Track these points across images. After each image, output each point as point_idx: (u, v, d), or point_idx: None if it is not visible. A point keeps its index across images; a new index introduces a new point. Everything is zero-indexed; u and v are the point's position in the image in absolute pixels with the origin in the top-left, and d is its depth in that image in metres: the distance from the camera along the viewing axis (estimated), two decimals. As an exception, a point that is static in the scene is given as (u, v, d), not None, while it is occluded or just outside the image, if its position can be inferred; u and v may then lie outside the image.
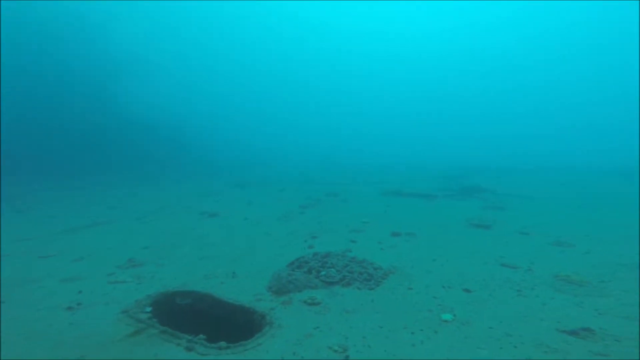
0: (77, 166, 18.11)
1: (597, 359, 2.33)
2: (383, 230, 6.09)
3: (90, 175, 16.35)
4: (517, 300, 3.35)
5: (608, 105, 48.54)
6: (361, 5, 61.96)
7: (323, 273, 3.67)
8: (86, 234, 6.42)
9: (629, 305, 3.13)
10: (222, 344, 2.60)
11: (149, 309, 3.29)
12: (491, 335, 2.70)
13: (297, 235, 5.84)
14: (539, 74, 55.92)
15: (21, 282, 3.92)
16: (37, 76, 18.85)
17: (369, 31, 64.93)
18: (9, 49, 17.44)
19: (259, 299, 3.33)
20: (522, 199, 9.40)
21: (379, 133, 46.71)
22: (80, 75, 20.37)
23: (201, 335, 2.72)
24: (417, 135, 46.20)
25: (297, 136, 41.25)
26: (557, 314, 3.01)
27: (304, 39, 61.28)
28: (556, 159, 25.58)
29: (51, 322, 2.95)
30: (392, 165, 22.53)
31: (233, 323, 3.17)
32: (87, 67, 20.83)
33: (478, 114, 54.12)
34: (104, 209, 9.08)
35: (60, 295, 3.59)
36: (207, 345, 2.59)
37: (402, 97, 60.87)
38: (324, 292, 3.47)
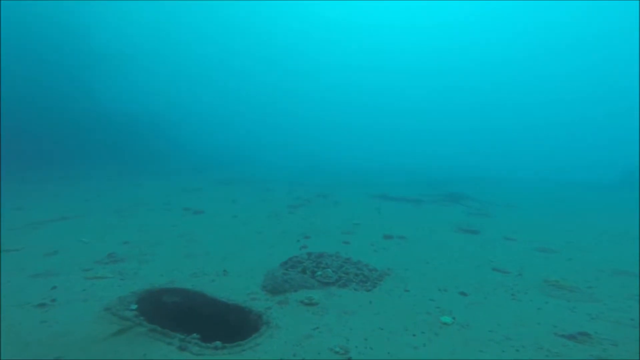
0: (56, 159, 16.99)
1: (598, 362, 2.38)
2: (374, 233, 6.08)
3: (67, 167, 15.33)
4: (513, 304, 3.40)
5: (600, 116, 50.33)
6: (341, 10, 62.55)
7: (319, 273, 3.57)
8: (59, 228, 5.94)
9: (618, 311, 3.25)
10: (218, 343, 2.43)
11: (134, 307, 3.04)
12: (492, 338, 2.71)
13: (288, 235, 5.70)
14: (526, 88, 58.05)
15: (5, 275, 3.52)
16: (22, 72, 17.79)
17: (356, 35, 65.96)
18: None
19: (253, 298, 3.16)
20: (505, 207, 9.76)
21: (365, 138, 47.29)
22: (63, 71, 19.44)
23: (194, 335, 2.52)
24: (402, 140, 47.17)
25: (280, 138, 40.92)
26: (552, 318, 3.07)
27: (291, 41, 61.33)
28: (538, 170, 26.94)
29: (20, 319, 2.64)
30: (377, 169, 22.83)
31: (226, 323, 2.99)
32: (71, 62, 19.93)
33: (464, 123, 55.94)
34: (79, 202, 8.49)
35: (30, 291, 3.25)
36: (202, 345, 2.41)
37: (387, 103, 61.97)
38: (320, 292, 3.38)
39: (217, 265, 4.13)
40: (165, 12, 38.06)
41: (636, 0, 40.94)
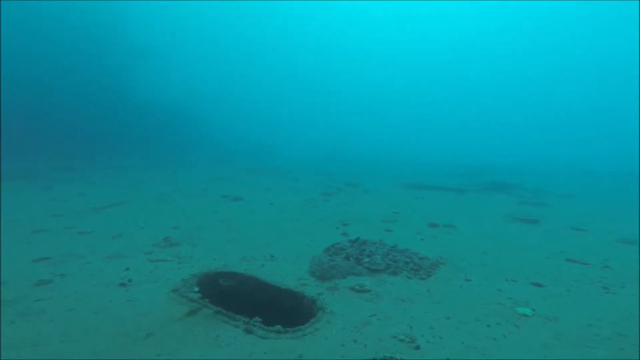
0: (97, 149, 17.88)
1: None
2: (418, 221, 5.94)
3: (109, 158, 16.12)
4: (609, 297, 3.15)
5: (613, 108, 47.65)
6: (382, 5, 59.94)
7: (366, 260, 3.62)
8: (115, 212, 6.34)
9: None
10: (279, 327, 2.58)
11: (196, 289, 3.26)
12: (597, 333, 2.50)
13: (326, 222, 5.75)
14: (550, 76, 54.52)
15: (68, 257, 3.85)
16: (65, 66, 18.43)
17: (383, 28, 63.33)
18: (44, 42, 17.01)
19: (303, 283, 3.29)
20: (562, 197, 9.22)
21: (387, 130, 46.31)
22: (102, 64, 19.95)
23: (256, 318, 2.69)
24: (426, 131, 45.91)
25: (303, 130, 40.76)
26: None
27: (316, 35, 59.79)
28: (573, 160, 25.51)
29: (110, 298, 2.90)
30: (400, 159, 22.39)
31: (280, 306, 3.15)
32: (108, 57, 20.36)
33: (486, 114, 53.60)
34: (125, 189, 8.96)
35: (109, 271, 3.53)
36: (265, 328, 2.56)
37: (410, 96, 59.96)
38: (370, 279, 3.38)
39: (263, 250, 4.29)
40: (197, 11, 37.91)
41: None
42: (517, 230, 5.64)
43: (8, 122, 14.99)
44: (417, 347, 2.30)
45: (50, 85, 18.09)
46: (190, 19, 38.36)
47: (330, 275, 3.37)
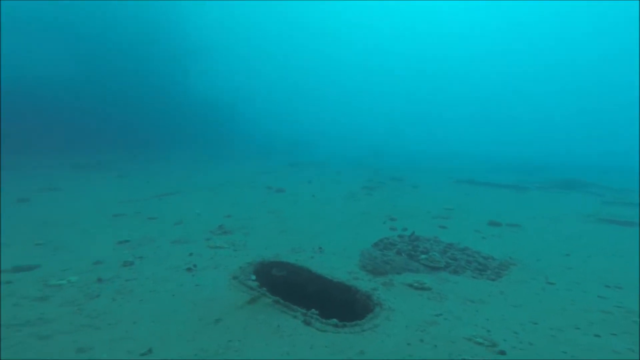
0: (155, 143, 19.45)
1: None
2: (474, 219, 5.53)
3: (165, 151, 17.46)
4: None
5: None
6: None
7: (423, 257, 3.40)
8: (174, 200, 6.79)
9: None
10: (334, 321, 2.50)
11: (253, 277, 3.31)
12: None
13: (371, 216, 5.56)
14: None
15: (142, 240, 4.16)
16: (126, 68, 19.89)
17: (421, 25, 60.62)
18: (110, 41, 18.64)
19: (355, 277, 3.18)
20: None
21: (431, 126, 44.30)
22: (159, 65, 21.28)
23: (313, 310, 2.64)
24: (469, 128, 43.19)
25: (340, 126, 40.35)
26: None
27: (356, 34, 59.05)
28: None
29: (181, 281, 3.06)
30: (447, 156, 21.13)
31: (331, 299, 3.08)
32: (164, 58, 21.61)
33: (532, 109, 48.86)
34: (179, 179, 9.58)
35: (176, 256, 3.74)
36: (322, 321, 2.50)
37: (454, 92, 56.74)
38: (429, 277, 3.17)
39: (311, 242, 4.25)
40: (245, 11, 39.06)
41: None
42: (607, 232, 4.98)
43: (82, 120, 16.81)
44: (502, 352, 2.04)
45: (113, 85, 19.74)
46: (239, 19, 39.57)
47: (383, 270, 3.20)
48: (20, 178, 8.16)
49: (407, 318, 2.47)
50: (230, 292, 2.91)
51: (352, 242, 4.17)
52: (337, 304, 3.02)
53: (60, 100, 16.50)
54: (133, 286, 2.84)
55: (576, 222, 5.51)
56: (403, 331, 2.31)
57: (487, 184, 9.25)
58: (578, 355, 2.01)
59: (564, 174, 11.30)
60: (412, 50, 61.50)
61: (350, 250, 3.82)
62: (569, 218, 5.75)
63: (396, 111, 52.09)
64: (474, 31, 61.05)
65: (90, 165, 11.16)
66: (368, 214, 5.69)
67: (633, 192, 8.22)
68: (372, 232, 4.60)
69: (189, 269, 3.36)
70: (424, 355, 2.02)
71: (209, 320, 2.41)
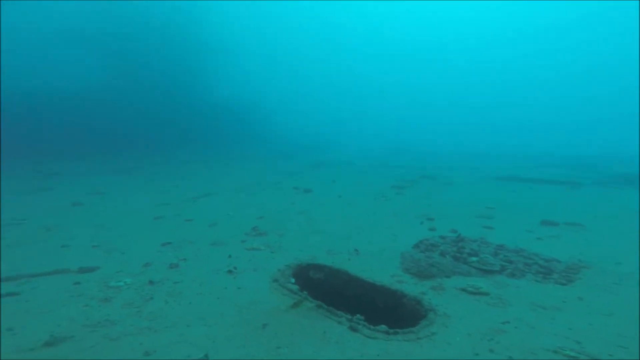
0: (180, 145, 20.35)
1: None
2: (523, 218, 5.19)
3: (190, 152, 18.25)
4: None
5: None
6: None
7: (474, 259, 3.24)
8: (206, 202, 7.05)
9: None
10: (384, 327, 2.43)
11: (293, 280, 3.34)
12: None
13: (406, 216, 5.41)
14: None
15: (183, 242, 4.34)
16: (144, 71, 20.83)
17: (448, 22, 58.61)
18: (130, 45, 19.67)
19: (399, 280, 3.09)
20: None
21: (457, 124, 42.73)
22: (182, 67, 22.10)
23: (358, 316, 2.60)
24: (496, 124, 41.16)
25: (366, 125, 39.81)
26: None
27: (378, 32, 58.42)
28: None
29: (224, 284, 3.16)
30: (477, 153, 20.20)
31: (373, 304, 3.02)
32: (188, 59, 22.37)
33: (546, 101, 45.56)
34: (208, 182, 9.94)
35: (215, 258, 3.86)
36: (370, 327, 2.45)
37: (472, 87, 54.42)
38: (485, 281, 3.00)
39: (345, 243, 4.21)
40: (265, 11, 39.78)
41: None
42: None
43: (112, 126, 17.86)
44: None
45: (139, 92, 20.62)
46: (259, 21, 40.33)
47: (430, 273, 3.08)
48: (69, 183, 8.89)
49: (467, 325, 2.32)
50: (273, 296, 2.95)
51: (389, 243, 4.07)
52: (380, 309, 2.95)
53: (90, 108, 17.62)
54: (181, 289, 2.96)
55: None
56: (466, 340, 2.16)
57: (533, 180, 8.59)
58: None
59: (618, 168, 10.24)
60: (432, 48, 59.44)
61: (388, 252, 3.73)
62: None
63: (417, 109, 50.61)
64: (501, 25, 57.46)
65: (124, 170, 11.91)
66: (402, 214, 5.53)
67: None
68: (409, 233, 4.45)
69: (229, 272, 3.45)
70: (498, 367, 1.87)
71: (256, 325, 2.45)
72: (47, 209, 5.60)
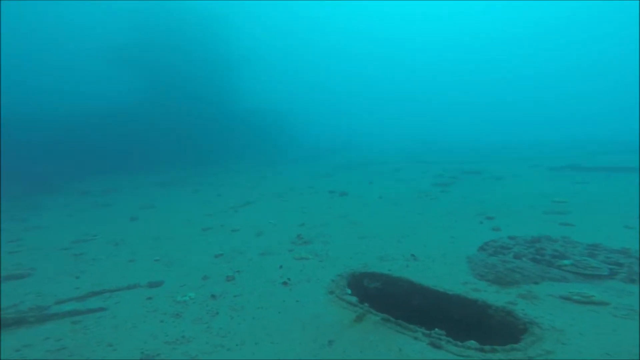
0: (211, 155, 21.28)
1: None
2: (611, 212, 4.56)
3: (224, 162, 19.04)
4: None
5: None
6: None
7: (567, 262, 2.87)
8: (248, 211, 7.22)
9: None
10: (473, 343, 2.17)
11: (349, 291, 3.21)
12: None
13: (459, 216, 5.04)
14: None
15: (234, 253, 4.41)
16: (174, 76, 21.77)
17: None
18: (151, 49, 20.74)
19: (474, 288, 2.79)
20: None
21: (475, 118, 40.30)
22: (206, 79, 22.95)
23: (437, 330, 2.38)
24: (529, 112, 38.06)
25: (389, 123, 38.95)
26: None
27: (394, 33, 57.83)
28: None
29: (281, 297, 3.11)
30: (508, 144, 18.71)
31: (447, 315, 2.77)
32: (213, 63, 23.06)
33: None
34: (245, 189, 10.23)
35: (268, 269, 3.86)
36: (457, 343, 2.20)
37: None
38: (591, 287, 2.63)
39: (397, 248, 4.00)
40: (288, 19, 41.00)
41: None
42: None
43: (152, 139, 19.01)
44: None
45: (174, 105, 21.66)
46: (282, 29, 41.50)
47: (512, 279, 2.76)
48: (123, 198, 9.70)
49: (595, 343, 1.96)
50: (332, 309, 2.85)
51: (448, 246, 3.78)
52: (455, 321, 2.69)
53: (127, 125, 18.83)
54: (242, 303, 2.98)
55: None
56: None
57: (600, 168, 7.54)
58: None
59: None
60: (450, 45, 56.83)
61: (451, 257, 3.45)
62: None
63: (441, 102, 48.30)
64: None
65: (167, 183, 12.71)
66: (455, 213, 5.14)
67: None
68: (468, 234, 4.10)
69: (284, 283, 3.43)
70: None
71: (323, 342, 2.36)
72: (110, 224, 6.11)
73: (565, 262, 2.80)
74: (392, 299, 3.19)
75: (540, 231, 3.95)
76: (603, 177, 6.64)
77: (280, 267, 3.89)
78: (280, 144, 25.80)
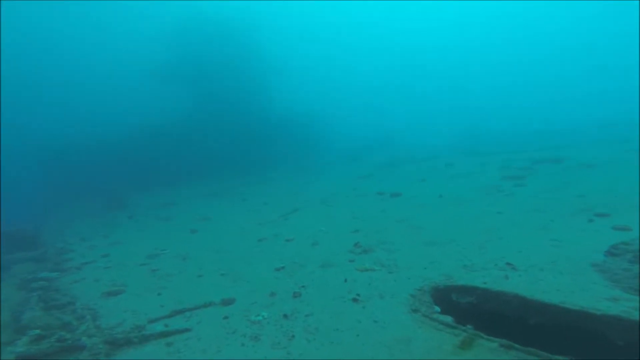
0: (251, 162, 21.97)
1: None
2: None
3: (264, 169, 19.57)
4: None
5: None
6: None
7: None
8: (297, 219, 7.15)
9: None
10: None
11: (438, 309, 2.83)
12: None
13: (553, 213, 4.28)
14: None
15: (294, 266, 4.15)
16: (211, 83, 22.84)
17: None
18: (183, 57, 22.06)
19: (634, 307, 2.15)
20: None
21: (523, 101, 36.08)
22: (242, 81, 23.59)
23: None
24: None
25: (419, 117, 36.87)
26: None
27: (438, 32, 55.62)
28: None
29: (355, 316, 2.83)
30: (571, 127, 16.24)
31: (584, 339, 2.22)
32: (249, 70, 23.82)
33: None
34: (293, 196, 10.23)
35: (332, 283, 3.60)
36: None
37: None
38: None
39: (483, 255, 3.45)
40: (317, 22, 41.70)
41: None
42: None
43: (195, 151, 20.15)
44: None
45: (215, 117, 22.59)
46: (308, 32, 42.27)
47: None
48: (181, 211, 10.43)
49: None
50: (422, 331, 2.49)
51: (554, 251, 3.15)
52: (597, 348, 2.13)
53: (172, 139, 20.22)
54: (315, 323, 2.78)
55: None
56: None
57: None
58: None
59: None
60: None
61: (565, 264, 2.84)
62: None
63: (477, 88, 44.16)
64: None
65: (217, 193, 13.35)
66: (544, 210, 4.38)
67: None
68: (577, 235, 3.41)
69: (354, 300, 3.16)
70: None
71: (423, 375, 2.02)
72: (174, 238, 6.52)
73: None
74: (494, 318, 2.71)
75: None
76: None
77: (345, 280, 3.64)
78: (314, 146, 25.81)
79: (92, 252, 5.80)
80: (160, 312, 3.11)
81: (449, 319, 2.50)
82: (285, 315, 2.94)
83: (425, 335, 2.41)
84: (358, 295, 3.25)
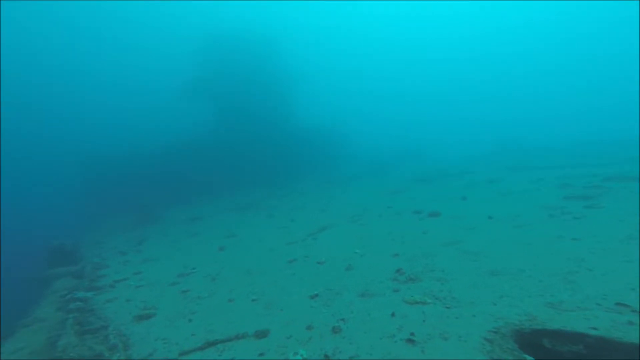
0: (274, 176, 22.11)
1: None
2: None
3: (289, 182, 19.64)
4: None
5: None
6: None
7: None
8: (326, 237, 6.76)
9: None
10: None
11: (531, 359, 2.30)
12: None
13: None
14: None
15: (329, 293, 3.79)
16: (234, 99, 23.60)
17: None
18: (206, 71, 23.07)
19: None
20: None
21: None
22: (266, 96, 24.27)
23: None
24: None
25: (444, 131, 35.78)
26: None
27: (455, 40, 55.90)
28: None
29: (417, 366, 2.45)
30: (622, 140, 14.67)
31: None
32: (268, 82, 24.51)
33: None
34: (320, 212, 9.87)
35: (377, 317, 3.17)
36: None
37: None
38: None
39: (573, 290, 2.81)
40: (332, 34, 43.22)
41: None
42: None
43: (220, 165, 20.61)
44: None
45: (239, 131, 23.06)
46: (327, 44, 43.77)
47: None
48: (208, 226, 10.54)
49: None
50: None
51: None
52: None
53: (204, 152, 20.92)
54: (366, 368, 2.37)
55: None
56: None
57: None
58: None
59: None
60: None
61: None
62: None
63: (509, 99, 42.05)
64: None
65: (243, 207, 13.43)
66: (634, 237, 3.68)
67: None
68: None
69: (409, 341, 2.70)
70: None
71: None
72: (203, 255, 6.45)
73: None
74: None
75: None
76: None
77: (392, 314, 3.19)
78: (338, 159, 25.60)
79: (126, 268, 5.87)
80: (192, 342, 2.89)
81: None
82: (326, 356, 2.56)
83: (513, 402, 1.91)
84: (412, 334, 2.79)
